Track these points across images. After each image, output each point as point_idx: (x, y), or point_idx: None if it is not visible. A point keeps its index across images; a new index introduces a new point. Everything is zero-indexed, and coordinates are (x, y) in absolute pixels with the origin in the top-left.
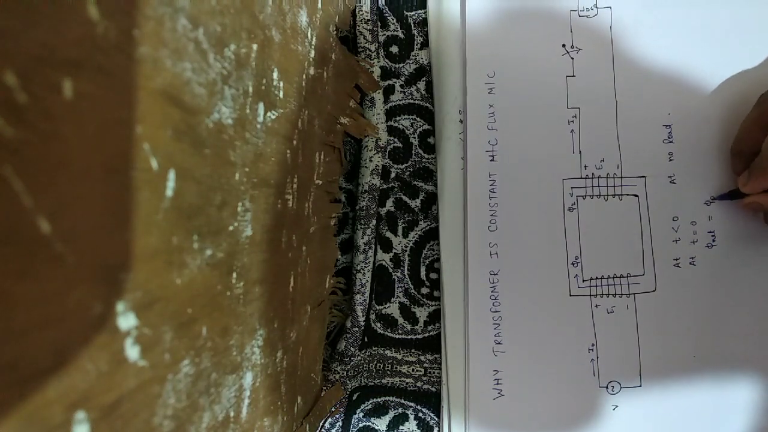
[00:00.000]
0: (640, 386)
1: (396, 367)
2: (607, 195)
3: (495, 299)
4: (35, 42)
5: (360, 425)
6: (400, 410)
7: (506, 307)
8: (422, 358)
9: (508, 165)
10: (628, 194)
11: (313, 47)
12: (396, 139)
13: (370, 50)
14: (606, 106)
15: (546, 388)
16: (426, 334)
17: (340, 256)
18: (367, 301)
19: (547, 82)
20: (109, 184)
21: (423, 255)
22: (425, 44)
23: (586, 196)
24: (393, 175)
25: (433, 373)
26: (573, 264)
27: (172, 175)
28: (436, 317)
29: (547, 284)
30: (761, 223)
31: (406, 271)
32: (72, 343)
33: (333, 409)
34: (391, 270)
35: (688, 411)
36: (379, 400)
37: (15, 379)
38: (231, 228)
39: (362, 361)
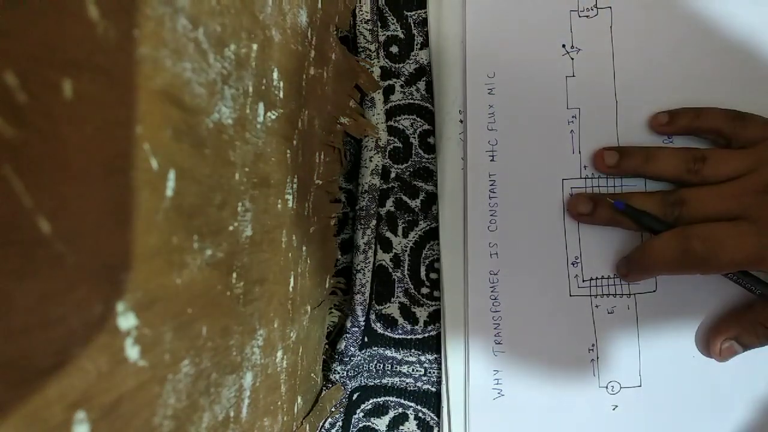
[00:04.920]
0: (640, 386)
1: (396, 367)
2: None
3: (495, 299)
4: (35, 42)
5: (360, 425)
6: (400, 410)
7: (506, 307)
8: (422, 358)
9: (508, 165)
10: None
11: (313, 47)
12: (396, 139)
13: (370, 50)
14: (606, 106)
15: (546, 388)
16: (426, 334)
17: (340, 256)
18: (367, 301)
19: (547, 83)
20: (109, 184)
21: (423, 255)
22: (425, 44)
23: None
24: (393, 175)
25: (433, 373)
26: (573, 264)
27: (172, 175)
28: (436, 317)
29: (547, 284)
30: None
31: (406, 271)
32: (72, 343)
33: (333, 409)
34: (391, 270)
35: (688, 411)
36: (379, 400)
37: (15, 379)
38: (231, 228)
39: (362, 361)
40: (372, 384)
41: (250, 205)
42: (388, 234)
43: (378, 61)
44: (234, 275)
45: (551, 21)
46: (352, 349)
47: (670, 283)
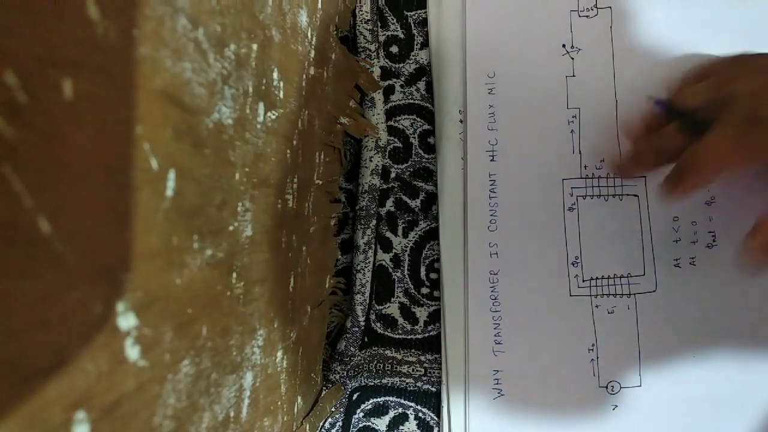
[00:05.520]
0: (640, 386)
1: (396, 367)
2: (607, 195)
3: (495, 299)
4: (35, 42)
5: (360, 425)
6: (400, 410)
7: (506, 307)
8: (422, 358)
9: (508, 165)
10: (628, 194)
11: (313, 47)
12: (396, 139)
13: (370, 50)
14: (606, 106)
15: (546, 388)
16: (426, 334)
17: (340, 256)
18: (367, 301)
19: (547, 82)
20: (109, 184)
21: (423, 255)
22: (425, 44)
23: (586, 196)
24: (393, 175)
25: (433, 373)
26: (573, 264)
27: (172, 175)
28: (436, 317)
29: (547, 284)
30: None
31: (406, 271)
32: (72, 343)
33: (333, 409)
34: (391, 270)
35: (688, 411)
36: (379, 400)
37: (15, 379)
38: (231, 228)
39: (362, 361)
40: (372, 384)
41: (250, 205)
42: (388, 234)
43: (378, 61)
44: (234, 275)
45: (551, 21)
46: (352, 349)
47: (670, 283)
